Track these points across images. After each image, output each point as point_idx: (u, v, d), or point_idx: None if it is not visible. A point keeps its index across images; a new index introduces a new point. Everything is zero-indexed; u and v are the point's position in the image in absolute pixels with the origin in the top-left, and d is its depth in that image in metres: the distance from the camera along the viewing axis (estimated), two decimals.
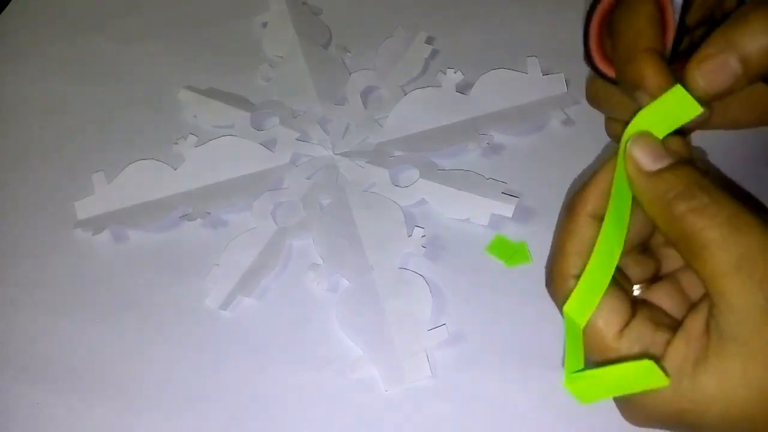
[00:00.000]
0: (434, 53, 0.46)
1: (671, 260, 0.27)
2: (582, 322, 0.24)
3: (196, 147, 0.42)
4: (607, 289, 0.23)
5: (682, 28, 0.27)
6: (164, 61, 0.47)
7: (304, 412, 0.33)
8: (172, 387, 0.34)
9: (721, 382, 0.21)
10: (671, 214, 0.22)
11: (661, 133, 0.24)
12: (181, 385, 0.35)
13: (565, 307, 0.24)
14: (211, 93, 0.45)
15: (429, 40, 0.46)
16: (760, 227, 0.21)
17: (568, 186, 0.39)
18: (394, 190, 0.40)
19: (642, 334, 0.23)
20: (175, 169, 0.41)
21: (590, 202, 0.24)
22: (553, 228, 0.26)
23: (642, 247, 0.27)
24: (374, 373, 0.34)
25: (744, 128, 0.26)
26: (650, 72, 0.24)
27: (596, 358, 0.24)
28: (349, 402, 0.34)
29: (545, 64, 0.43)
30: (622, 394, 0.23)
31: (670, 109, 0.23)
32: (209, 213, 0.40)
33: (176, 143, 0.42)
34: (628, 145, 0.23)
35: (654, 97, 0.24)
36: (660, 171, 0.23)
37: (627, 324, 0.23)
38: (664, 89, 0.23)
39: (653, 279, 0.27)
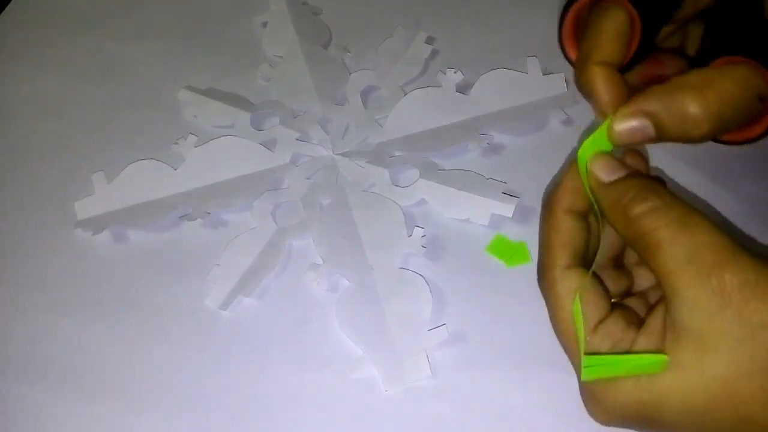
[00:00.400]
0: (434, 53, 0.46)
1: (644, 279, 0.29)
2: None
3: (196, 147, 0.42)
4: (589, 286, 0.26)
5: (647, 39, 0.30)
6: (164, 61, 0.47)
7: (304, 412, 0.33)
8: (172, 387, 0.34)
9: (678, 372, 0.22)
10: (627, 217, 0.24)
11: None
12: (181, 385, 0.35)
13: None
14: (211, 93, 0.45)
15: (429, 40, 0.46)
16: (708, 225, 0.23)
17: None
18: (394, 190, 0.40)
19: (613, 330, 0.25)
20: (175, 169, 0.41)
21: (565, 199, 0.27)
22: None
23: (615, 262, 0.29)
24: (374, 373, 0.34)
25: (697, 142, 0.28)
26: (599, 86, 0.27)
27: (573, 348, 0.26)
28: (349, 402, 0.34)
29: (545, 64, 0.43)
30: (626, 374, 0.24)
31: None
32: (209, 213, 0.40)
33: (176, 143, 0.42)
34: (588, 163, 0.26)
35: (600, 107, 0.27)
36: (615, 181, 0.25)
37: (603, 319, 0.25)
38: (609, 103, 0.27)
39: (626, 295, 0.29)
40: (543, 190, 0.39)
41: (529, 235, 0.38)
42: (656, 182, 0.25)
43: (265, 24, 0.48)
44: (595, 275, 0.27)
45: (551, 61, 0.43)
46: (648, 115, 0.25)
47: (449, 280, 0.37)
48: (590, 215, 0.28)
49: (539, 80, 0.43)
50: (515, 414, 0.33)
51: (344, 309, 0.36)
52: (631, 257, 0.30)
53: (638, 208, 0.24)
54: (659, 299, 0.25)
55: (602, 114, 0.27)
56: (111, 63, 0.48)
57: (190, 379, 0.35)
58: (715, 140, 0.30)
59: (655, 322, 0.24)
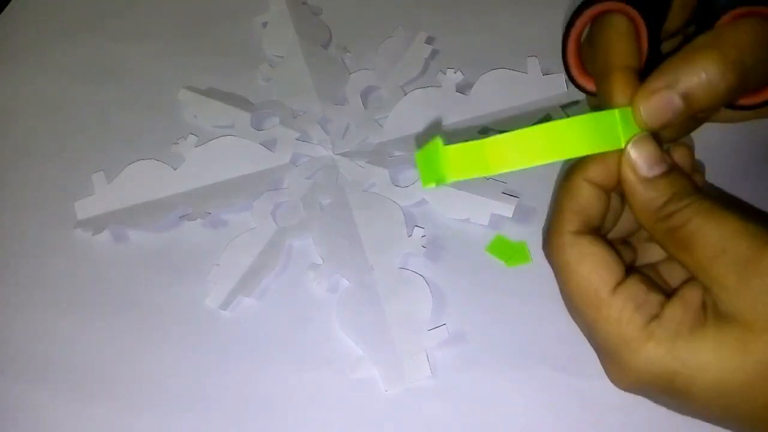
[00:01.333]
0: (434, 53, 0.46)
1: (649, 252, 0.28)
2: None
3: (196, 147, 0.42)
4: (601, 247, 0.25)
5: (655, 39, 0.28)
6: (164, 61, 0.47)
7: (304, 412, 0.33)
8: (172, 387, 0.34)
9: (717, 351, 0.22)
10: (657, 217, 0.24)
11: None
12: (181, 384, 0.35)
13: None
14: (211, 93, 0.45)
15: (429, 40, 0.46)
16: (738, 214, 0.23)
17: None
18: (394, 190, 0.40)
19: (635, 293, 0.24)
20: (175, 169, 0.41)
21: (589, 168, 0.25)
22: None
23: (621, 240, 0.28)
24: (374, 373, 0.34)
25: (741, 121, 0.27)
26: (625, 90, 0.26)
27: (590, 313, 0.24)
28: (349, 402, 0.34)
29: (545, 64, 0.43)
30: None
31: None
32: (209, 213, 0.40)
33: (176, 143, 0.42)
34: (628, 147, 0.24)
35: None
36: (654, 178, 0.24)
37: (620, 282, 0.24)
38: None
39: (630, 269, 0.28)
40: (543, 190, 0.39)
41: (529, 235, 0.38)
42: (692, 181, 0.25)
43: (265, 24, 0.48)
44: (610, 245, 0.26)
45: (551, 61, 0.43)
46: (670, 86, 0.24)
47: (449, 280, 0.37)
48: (613, 195, 0.27)
49: (539, 80, 0.43)
50: (515, 414, 0.33)
51: (344, 309, 0.36)
52: (638, 234, 0.29)
53: (671, 207, 0.23)
54: (688, 278, 0.24)
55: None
56: (111, 63, 0.48)
57: (190, 378, 0.35)
58: (734, 107, 0.29)
59: (692, 295, 0.23)
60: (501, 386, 0.33)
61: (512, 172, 0.40)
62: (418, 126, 0.42)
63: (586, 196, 0.25)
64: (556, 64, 0.43)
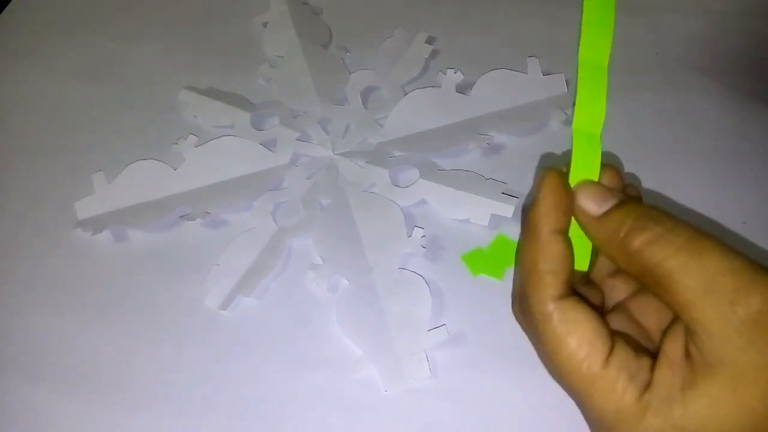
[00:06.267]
0: (434, 53, 0.46)
1: (615, 290, 0.27)
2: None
3: (196, 147, 0.42)
4: (588, 314, 0.23)
5: None
6: (164, 61, 0.47)
7: (303, 412, 0.33)
8: (171, 386, 0.34)
9: (712, 408, 0.21)
10: (627, 252, 0.22)
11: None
12: (181, 384, 0.35)
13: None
14: (211, 93, 0.45)
15: (429, 40, 0.46)
16: (719, 248, 0.21)
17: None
18: (394, 190, 0.40)
19: (626, 360, 0.23)
20: (175, 169, 0.41)
21: (553, 218, 0.24)
22: None
23: (585, 280, 0.27)
24: (374, 373, 0.34)
25: None
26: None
27: (584, 387, 0.23)
28: (349, 402, 0.34)
29: (545, 64, 0.43)
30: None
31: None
32: (209, 213, 0.40)
33: (176, 143, 0.42)
34: (575, 192, 0.24)
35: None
36: (607, 212, 0.23)
37: (611, 352, 0.23)
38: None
39: (601, 312, 0.27)
40: None
41: None
42: (654, 207, 0.23)
43: (265, 24, 0.48)
44: (592, 305, 0.24)
45: (551, 61, 0.43)
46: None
47: (449, 280, 0.37)
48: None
49: (539, 80, 0.43)
50: (515, 414, 0.33)
51: (344, 309, 0.36)
52: (599, 270, 0.27)
53: (638, 240, 0.22)
54: (671, 322, 0.23)
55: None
56: (111, 63, 0.48)
57: (190, 378, 0.35)
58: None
59: (673, 350, 0.22)
60: (501, 386, 0.33)
61: (511, 172, 0.40)
62: (418, 126, 0.42)
63: (560, 251, 0.24)
64: (556, 64, 0.43)
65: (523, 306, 0.24)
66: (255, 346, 0.35)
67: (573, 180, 0.24)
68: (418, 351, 0.34)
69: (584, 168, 0.25)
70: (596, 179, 0.24)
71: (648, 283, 0.22)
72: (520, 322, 0.25)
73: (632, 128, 0.42)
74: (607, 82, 0.24)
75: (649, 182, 0.40)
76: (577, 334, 0.23)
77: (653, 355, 0.23)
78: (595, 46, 0.24)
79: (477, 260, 0.37)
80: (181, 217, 0.40)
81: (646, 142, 0.41)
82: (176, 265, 0.38)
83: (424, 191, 0.39)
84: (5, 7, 0.52)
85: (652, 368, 0.22)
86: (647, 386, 0.22)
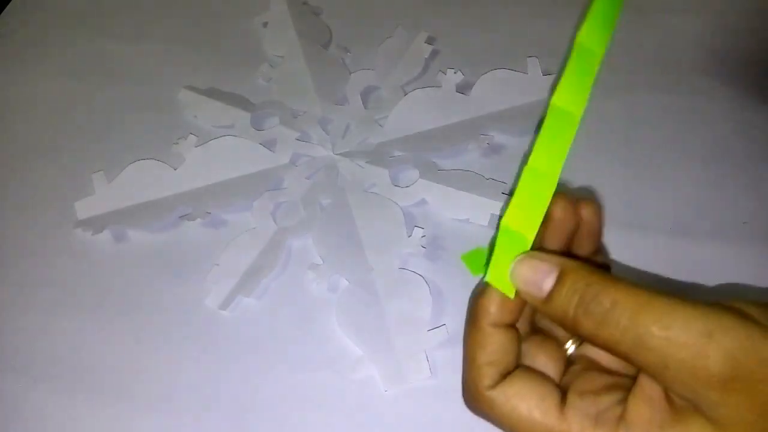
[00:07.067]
0: (434, 53, 0.46)
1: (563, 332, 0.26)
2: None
3: (196, 147, 0.42)
4: (525, 380, 0.23)
5: None
6: (164, 61, 0.47)
7: (304, 412, 0.33)
8: (171, 387, 0.34)
9: None
10: (585, 331, 0.22)
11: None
12: (181, 384, 0.34)
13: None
14: (211, 93, 0.45)
15: (429, 40, 0.46)
16: (665, 312, 0.20)
17: (568, 187, 0.39)
18: (394, 190, 0.40)
19: (585, 405, 0.23)
20: (175, 169, 0.41)
21: (491, 312, 0.24)
22: None
23: (531, 327, 0.27)
24: (374, 373, 0.34)
25: None
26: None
27: None
28: (349, 402, 0.34)
29: (545, 64, 0.43)
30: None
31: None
32: (209, 213, 0.40)
33: (176, 143, 0.42)
34: (512, 278, 0.23)
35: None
36: (550, 295, 0.22)
37: (563, 401, 0.23)
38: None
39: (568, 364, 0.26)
40: None
41: None
42: (593, 272, 0.22)
43: (265, 24, 0.48)
44: (532, 370, 0.24)
45: (551, 61, 0.43)
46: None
47: (449, 280, 0.37)
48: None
49: (539, 80, 0.43)
50: None
51: (344, 309, 0.36)
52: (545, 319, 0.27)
53: (587, 325, 0.21)
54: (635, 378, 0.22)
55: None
56: (111, 63, 0.48)
57: (190, 378, 0.35)
58: None
59: (651, 386, 0.21)
60: None
61: (511, 172, 0.40)
62: (418, 126, 0.42)
63: (497, 343, 0.24)
64: (556, 64, 0.43)
65: (469, 399, 0.24)
66: (255, 346, 0.35)
67: (508, 216, 0.23)
68: (418, 351, 0.34)
69: (527, 202, 0.23)
70: (542, 212, 0.23)
71: (614, 353, 0.21)
72: (472, 411, 0.24)
73: (632, 128, 0.42)
74: (596, 71, 0.22)
75: (648, 182, 0.40)
76: (523, 405, 0.23)
77: (624, 378, 0.23)
78: (596, 34, 0.23)
79: (477, 260, 0.37)
80: (181, 217, 0.40)
81: (646, 142, 0.41)
82: (176, 265, 0.38)
83: (424, 191, 0.39)
84: (5, 7, 0.52)
85: (622, 401, 0.22)
86: (620, 419, 0.22)
